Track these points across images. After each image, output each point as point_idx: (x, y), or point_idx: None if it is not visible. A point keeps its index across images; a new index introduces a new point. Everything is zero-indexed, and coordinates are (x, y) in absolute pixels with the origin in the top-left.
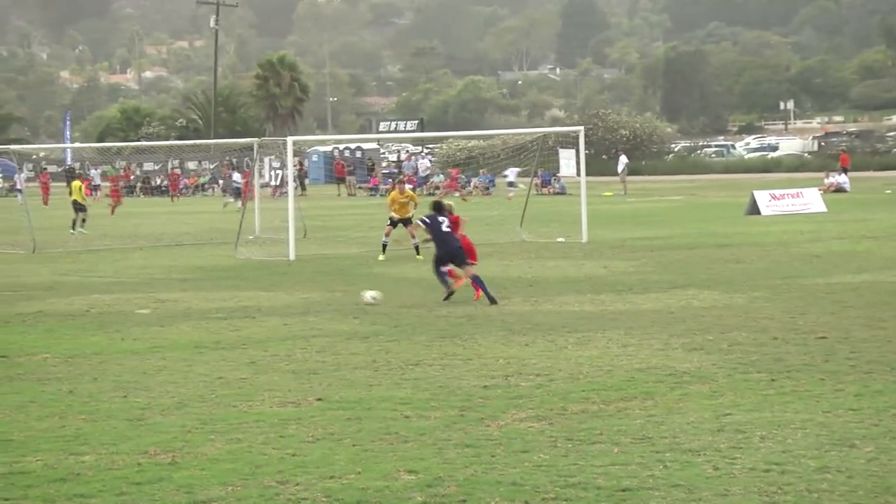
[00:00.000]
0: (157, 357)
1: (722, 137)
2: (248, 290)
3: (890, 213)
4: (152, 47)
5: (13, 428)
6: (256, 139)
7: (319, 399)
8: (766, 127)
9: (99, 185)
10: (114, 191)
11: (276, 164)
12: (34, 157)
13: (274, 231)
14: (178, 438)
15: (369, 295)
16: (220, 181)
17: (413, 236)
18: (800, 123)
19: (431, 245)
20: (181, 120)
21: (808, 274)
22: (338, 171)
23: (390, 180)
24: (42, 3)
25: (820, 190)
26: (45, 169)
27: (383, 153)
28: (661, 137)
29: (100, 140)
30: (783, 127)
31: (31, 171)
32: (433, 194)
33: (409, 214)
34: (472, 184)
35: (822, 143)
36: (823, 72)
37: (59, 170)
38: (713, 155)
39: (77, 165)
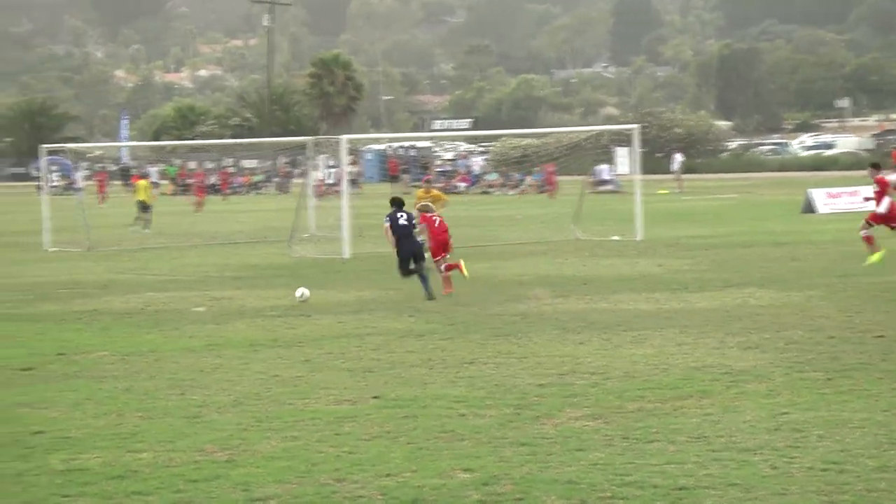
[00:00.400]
0: (212, 355)
1: (777, 135)
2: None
3: None
4: (206, 46)
5: (71, 425)
6: (311, 137)
7: (375, 397)
8: (822, 125)
9: (157, 184)
10: (199, 188)
11: (330, 163)
12: (88, 155)
13: (329, 229)
14: (235, 436)
15: (299, 292)
16: (275, 179)
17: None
18: (856, 121)
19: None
20: (235, 118)
21: (864, 272)
22: (391, 169)
23: (443, 178)
24: (97, 2)
25: None
26: (102, 167)
27: (437, 151)
28: (717, 135)
29: (155, 139)
30: (839, 125)
31: (87, 169)
32: (487, 192)
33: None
34: (525, 182)
35: (880, 141)
36: (879, 69)
37: (115, 168)
38: (768, 153)
39: (134, 164)
